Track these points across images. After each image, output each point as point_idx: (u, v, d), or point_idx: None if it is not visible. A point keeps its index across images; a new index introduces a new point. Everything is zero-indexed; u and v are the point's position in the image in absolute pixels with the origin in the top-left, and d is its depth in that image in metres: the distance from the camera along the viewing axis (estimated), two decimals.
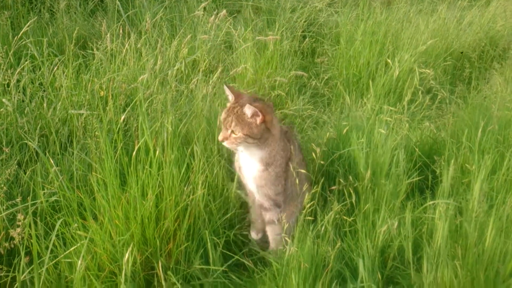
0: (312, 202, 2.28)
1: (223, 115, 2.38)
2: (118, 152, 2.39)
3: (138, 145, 2.33)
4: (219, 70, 3.39)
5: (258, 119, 2.30)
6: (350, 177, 2.52)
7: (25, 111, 3.07)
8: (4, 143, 2.83)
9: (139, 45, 3.62)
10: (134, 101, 3.01)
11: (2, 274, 2.24)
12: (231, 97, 2.43)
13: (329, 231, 2.26)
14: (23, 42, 3.53)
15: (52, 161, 2.45)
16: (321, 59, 4.59)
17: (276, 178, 2.44)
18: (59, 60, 3.45)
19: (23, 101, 3.20)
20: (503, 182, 2.48)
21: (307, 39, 4.66)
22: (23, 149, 2.91)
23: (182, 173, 2.50)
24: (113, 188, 2.35)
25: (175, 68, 3.37)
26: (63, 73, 3.38)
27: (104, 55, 3.57)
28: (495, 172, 2.49)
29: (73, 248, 2.20)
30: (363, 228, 2.30)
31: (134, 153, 2.31)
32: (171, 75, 3.26)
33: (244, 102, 2.30)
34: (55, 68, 3.31)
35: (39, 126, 2.98)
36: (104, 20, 3.99)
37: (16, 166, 2.66)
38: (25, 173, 2.64)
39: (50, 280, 2.23)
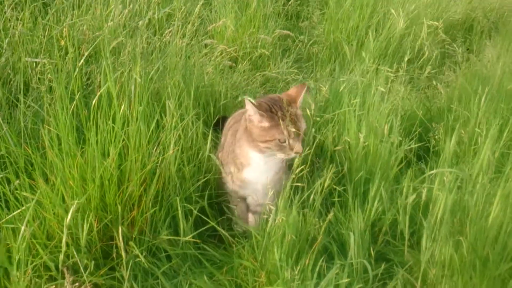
0: (302, 167, 1.99)
1: (288, 126, 1.99)
2: (75, 102, 2.03)
3: (100, 93, 1.98)
4: (197, 22, 3.04)
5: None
6: (341, 143, 2.24)
7: None
8: None
9: None
10: (97, 51, 2.65)
11: None
12: (250, 107, 2.03)
13: (317, 201, 1.98)
14: None
15: None
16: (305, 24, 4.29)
17: (285, 173, 2.18)
18: (13, 1, 3.01)
19: None
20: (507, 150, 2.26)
21: (292, 1, 4.33)
22: None
23: (151, 131, 2.17)
24: (68, 144, 2.00)
25: (147, 18, 2.99)
26: (18, 18, 2.96)
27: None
28: (499, 141, 2.26)
29: (17, 212, 1.86)
30: (354, 199, 2.04)
31: (94, 102, 1.96)
32: (143, 24, 2.89)
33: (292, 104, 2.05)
34: (9, 10, 2.88)
35: None
36: None
37: None
38: None
39: None
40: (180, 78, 2.62)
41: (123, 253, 1.83)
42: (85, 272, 1.82)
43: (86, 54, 2.29)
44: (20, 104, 2.18)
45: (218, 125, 2.70)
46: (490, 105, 2.55)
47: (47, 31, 2.87)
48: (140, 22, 2.94)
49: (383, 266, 1.88)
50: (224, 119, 2.68)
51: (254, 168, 2.13)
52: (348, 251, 2.01)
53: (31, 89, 2.55)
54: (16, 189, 1.91)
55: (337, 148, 2.16)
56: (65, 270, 1.76)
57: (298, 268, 1.75)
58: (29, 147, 2.01)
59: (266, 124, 2.01)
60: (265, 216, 2.30)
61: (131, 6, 2.86)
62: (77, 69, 2.05)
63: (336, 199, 2.08)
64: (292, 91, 2.14)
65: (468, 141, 2.35)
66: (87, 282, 1.82)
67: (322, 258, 1.91)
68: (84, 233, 1.92)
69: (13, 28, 2.82)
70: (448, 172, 1.91)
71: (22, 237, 1.77)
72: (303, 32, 4.16)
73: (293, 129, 1.96)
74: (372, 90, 2.34)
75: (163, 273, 1.98)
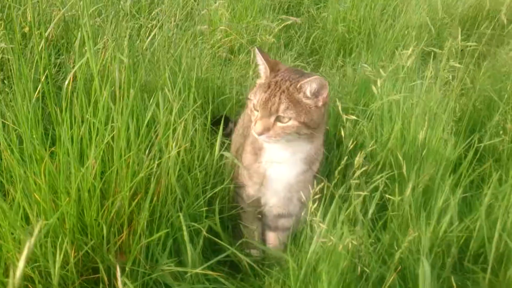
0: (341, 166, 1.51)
1: (261, 95, 1.55)
2: (38, 88, 1.49)
3: (73, 71, 1.45)
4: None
5: (322, 98, 1.54)
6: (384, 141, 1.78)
7: None
8: None
9: None
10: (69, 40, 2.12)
11: None
12: (264, 67, 1.63)
13: (369, 215, 1.51)
14: None
15: None
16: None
17: (314, 177, 1.69)
18: None
19: None
20: None
21: None
22: None
23: (143, 128, 1.66)
24: (33, 144, 1.47)
25: None
26: None
27: None
28: None
29: None
30: (419, 212, 1.57)
31: (67, 84, 1.43)
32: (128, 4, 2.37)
33: (297, 74, 1.53)
34: None
35: None
36: None
37: None
38: None
39: None
40: (173, 64, 2.12)
41: None
42: None
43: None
44: None
45: (218, 125, 2.20)
46: None
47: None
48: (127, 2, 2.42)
49: None
50: (226, 119, 2.19)
51: (270, 151, 1.65)
52: (409, 280, 1.55)
53: None
54: None
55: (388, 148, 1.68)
56: None
57: None
58: None
59: (261, 79, 1.64)
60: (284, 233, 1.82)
61: None
62: (42, 41, 1.51)
63: (390, 212, 1.60)
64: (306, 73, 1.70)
65: None
66: None
67: None
68: (57, 266, 1.38)
69: None
70: None
71: None
72: (302, 27, 3.74)
73: (263, 97, 1.53)
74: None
75: None
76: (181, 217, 1.57)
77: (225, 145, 2.00)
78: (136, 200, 1.56)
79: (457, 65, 1.75)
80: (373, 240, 1.55)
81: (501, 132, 1.88)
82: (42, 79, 1.43)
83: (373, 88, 1.71)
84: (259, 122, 1.53)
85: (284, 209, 1.75)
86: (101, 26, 2.29)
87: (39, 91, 1.45)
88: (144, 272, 1.55)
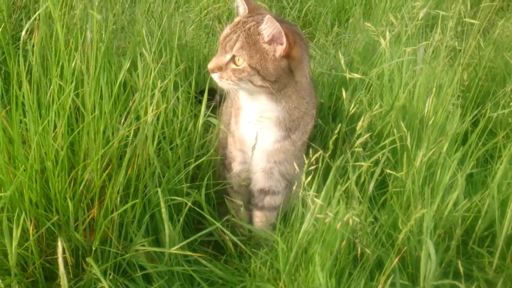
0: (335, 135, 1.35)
1: (224, 32, 1.44)
2: None
3: (34, 17, 1.25)
4: None
5: (280, 48, 1.37)
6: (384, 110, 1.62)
7: None
8: None
9: None
10: None
11: None
12: (242, 8, 1.48)
13: (368, 191, 1.35)
14: None
15: None
16: None
17: (300, 149, 1.54)
18: None
19: None
20: None
21: None
22: None
23: (115, 92, 1.47)
24: None
25: None
26: None
27: None
28: None
29: None
30: (421, 189, 1.42)
31: (23, 35, 1.23)
32: None
33: (264, 17, 1.35)
34: None
35: None
36: None
37: None
38: None
39: None
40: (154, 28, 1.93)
41: (63, 279, 1.14)
42: None
43: None
44: None
45: (202, 96, 2.03)
46: None
47: None
48: None
49: None
50: (211, 91, 2.02)
51: (245, 110, 1.53)
52: (409, 264, 1.41)
53: None
54: None
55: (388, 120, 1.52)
56: None
57: None
58: None
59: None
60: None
61: None
62: None
63: (391, 188, 1.45)
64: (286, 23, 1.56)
65: None
66: None
67: (376, 278, 1.29)
68: (14, 244, 1.21)
69: None
70: None
71: None
72: None
73: (224, 34, 1.44)
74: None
75: None
76: (159, 192, 1.40)
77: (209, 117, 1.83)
78: (106, 172, 1.38)
79: (472, 20, 1.58)
80: (372, 220, 1.40)
81: (511, 103, 1.73)
82: None
83: (381, 40, 1.53)
84: (214, 58, 1.42)
85: (266, 182, 1.61)
86: None
87: None
88: (116, 253, 1.38)
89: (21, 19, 2.23)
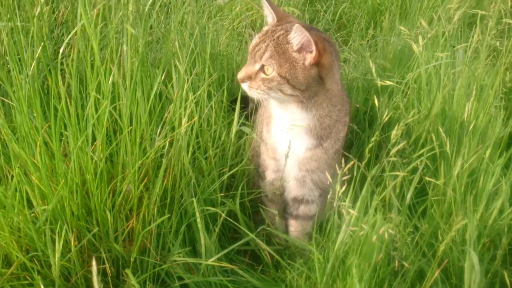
0: (372, 143, 1.32)
1: (253, 41, 1.44)
2: (40, 50, 1.34)
3: (72, 33, 1.29)
4: None
5: (309, 57, 1.36)
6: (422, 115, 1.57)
7: None
8: None
9: None
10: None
11: None
12: (271, 17, 1.49)
13: (406, 200, 1.31)
14: None
15: None
16: None
17: (333, 157, 1.52)
18: None
19: None
20: None
21: None
22: None
23: (150, 102, 1.49)
24: (29, 116, 1.33)
25: None
26: None
27: None
28: None
29: None
30: (463, 196, 1.37)
31: (61, 51, 1.27)
32: None
33: (293, 25, 1.34)
34: None
35: None
36: None
37: None
38: None
39: None
40: (188, 38, 1.95)
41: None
42: None
43: None
44: None
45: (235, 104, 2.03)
46: None
47: None
48: None
49: None
50: (244, 100, 2.02)
51: (276, 119, 1.53)
52: (451, 275, 1.36)
53: None
54: None
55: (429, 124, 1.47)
56: None
57: None
58: None
59: None
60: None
61: None
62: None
63: (431, 196, 1.40)
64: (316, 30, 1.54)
65: None
66: None
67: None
68: (57, 256, 1.25)
69: None
70: None
71: None
72: (327, 1, 3.50)
73: (253, 43, 1.43)
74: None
75: None
76: (195, 202, 1.41)
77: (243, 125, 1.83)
78: (143, 183, 1.41)
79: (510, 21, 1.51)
80: (411, 230, 1.35)
81: None
82: (39, 51, 1.28)
83: (414, 46, 1.49)
84: (244, 68, 1.42)
85: (299, 191, 1.59)
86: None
87: (35, 62, 1.29)
88: (154, 263, 1.41)
89: (63, 34, 2.32)
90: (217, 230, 1.45)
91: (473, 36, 1.81)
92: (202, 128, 1.67)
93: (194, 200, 1.42)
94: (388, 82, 1.43)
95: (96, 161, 1.36)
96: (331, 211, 1.42)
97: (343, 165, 1.30)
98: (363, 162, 1.32)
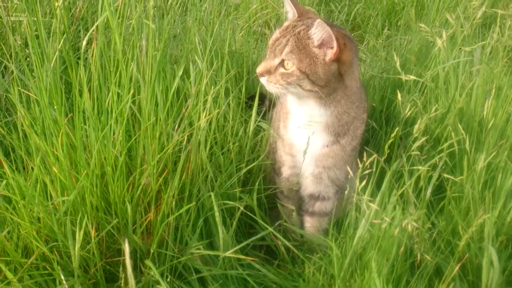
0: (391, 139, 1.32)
1: (274, 36, 1.44)
2: (56, 53, 1.36)
3: (94, 26, 1.31)
4: None
5: (330, 52, 1.36)
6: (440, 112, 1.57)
7: None
8: None
9: None
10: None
11: None
12: (292, 13, 1.49)
13: (427, 195, 1.31)
14: None
15: None
16: None
17: (350, 154, 1.52)
18: None
19: None
20: None
21: None
22: None
23: (170, 98, 1.51)
24: (49, 109, 1.35)
25: None
26: None
27: None
28: None
29: None
30: (481, 193, 1.36)
31: (83, 44, 1.29)
32: None
33: (314, 21, 1.35)
34: None
35: None
36: None
37: None
38: None
39: None
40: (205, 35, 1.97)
41: (130, 279, 1.17)
42: None
43: None
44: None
45: (252, 101, 2.04)
46: None
47: None
48: None
49: None
50: (261, 97, 2.03)
51: (294, 115, 1.52)
52: (469, 271, 1.36)
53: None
54: None
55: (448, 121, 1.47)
56: None
57: None
58: None
59: None
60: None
61: None
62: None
63: (450, 193, 1.40)
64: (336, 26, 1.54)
65: None
66: None
67: (436, 286, 1.25)
68: (77, 247, 1.26)
69: None
70: None
71: None
72: (341, 2, 3.50)
73: (274, 37, 1.43)
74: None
75: None
76: (212, 196, 1.42)
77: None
78: (163, 176, 1.42)
79: None
80: (429, 226, 1.35)
81: None
82: (61, 43, 1.30)
83: (438, 40, 1.49)
84: (263, 62, 1.42)
85: (315, 188, 1.59)
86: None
87: (57, 56, 1.31)
88: (172, 255, 1.42)
89: (79, 30, 2.34)
90: (234, 224, 1.46)
91: (491, 36, 1.80)
92: (219, 123, 1.69)
93: (212, 194, 1.43)
94: (412, 77, 1.43)
95: (116, 155, 1.37)
96: (350, 206, 1.42)
97: (364, 159, 1.30)
98: (383, 158, 1.32)
